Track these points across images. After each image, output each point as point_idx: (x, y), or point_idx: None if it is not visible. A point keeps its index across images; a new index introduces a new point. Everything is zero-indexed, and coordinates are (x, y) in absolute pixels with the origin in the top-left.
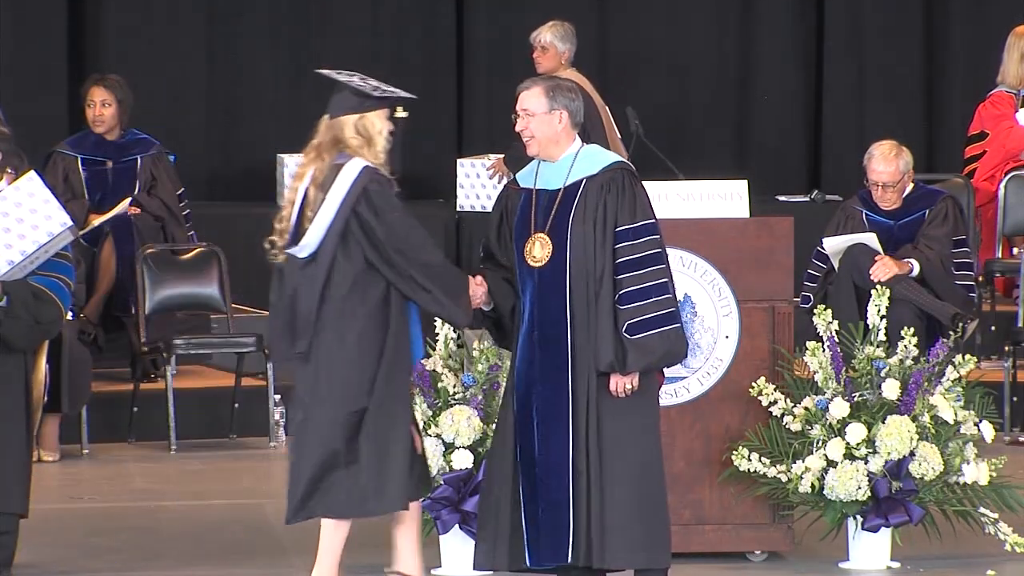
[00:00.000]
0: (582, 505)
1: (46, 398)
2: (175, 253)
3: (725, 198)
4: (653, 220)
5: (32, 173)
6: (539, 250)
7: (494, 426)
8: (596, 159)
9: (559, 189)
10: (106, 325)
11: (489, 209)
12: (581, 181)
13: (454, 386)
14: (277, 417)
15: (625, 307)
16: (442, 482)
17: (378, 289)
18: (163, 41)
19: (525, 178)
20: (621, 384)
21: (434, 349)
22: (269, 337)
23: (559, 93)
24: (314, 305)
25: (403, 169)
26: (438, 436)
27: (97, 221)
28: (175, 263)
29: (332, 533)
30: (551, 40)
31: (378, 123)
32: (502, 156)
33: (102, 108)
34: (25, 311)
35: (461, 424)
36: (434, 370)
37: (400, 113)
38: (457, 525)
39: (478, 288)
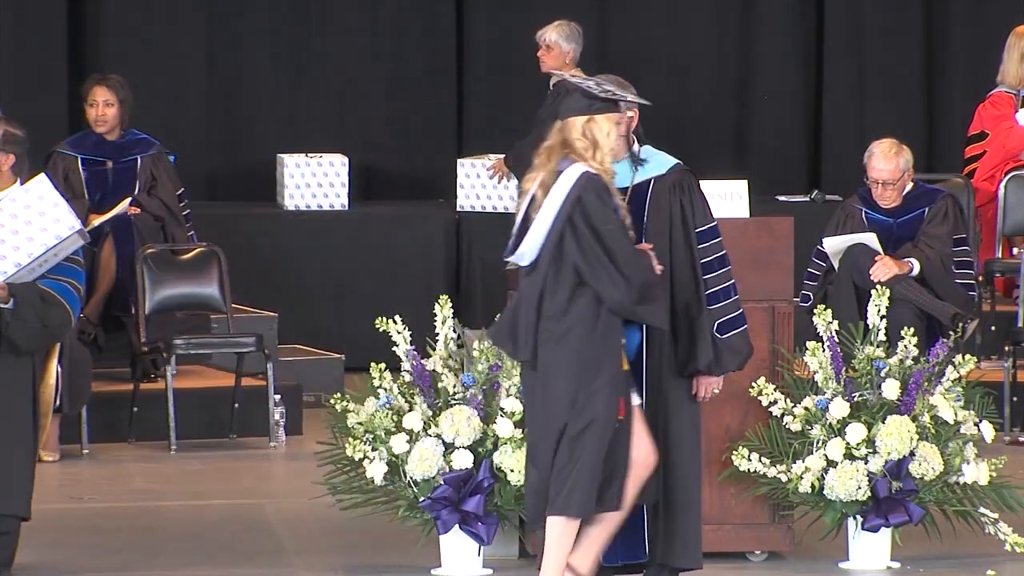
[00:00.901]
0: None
1: (57, 402)
2: (175, 253)
3: (725, 198)
4: (715, 222)
5: (42, 176)
6: None
7: (494, 426)
8: (660, 159)
9: (626, 188)
10: (106, 325)
11: (490, 209)
12: (649, 181)
13: (454, 386)
14: (277, 417)
15: (713, 307)
16: (442, 482)
17: (590, 301)
18: (163, 41)
19: None
20: (710, 387)
21: (434, 349)
22: (495, 338)
23: (629, 93)
24: (532, 316)
25: (405, 169)
26: (438, 436)
27: (97, 221)
28: (175, 263)
29: (555, 533)
30: (556, 39)
31: (605, 126)
32: (502, 157)
33: (105, 108)
34: (32, 313)
35: (461, 424)
36: (434, 370)
37: (618, 117)
38: (457, 525)
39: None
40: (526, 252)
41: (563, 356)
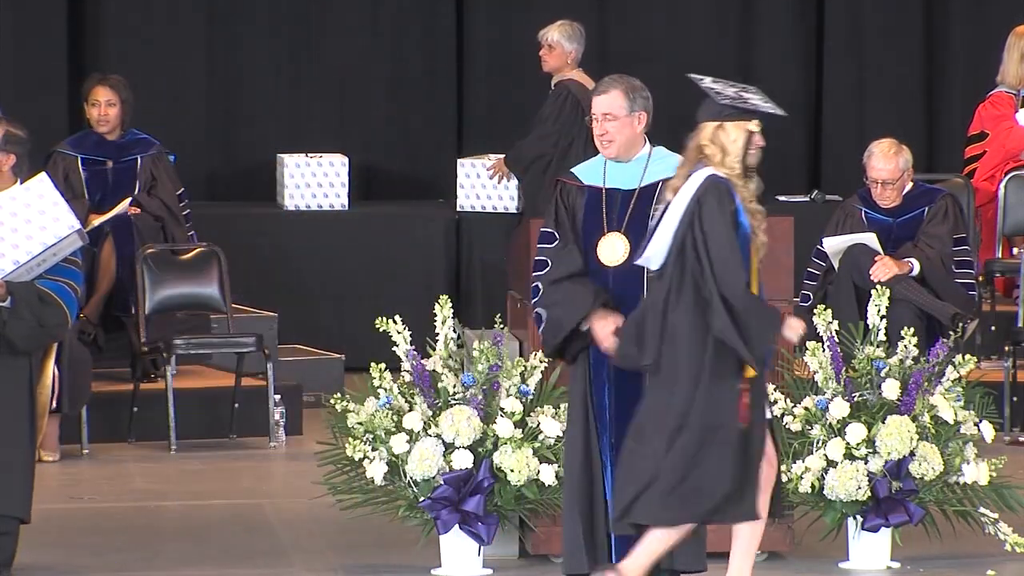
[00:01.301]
0: None
1: (55, 404)
2: (175, 253)
3: None
4: None
5: (43, 175)
6: (613, 249)
7: (494, 426)
8: (670, 161)
9: (634, 189)
10: (106, 325)
11: (490, 209)
12: (658, 183)
13: (454, 386)
14: (277, 417)
15: None
16: (442, 482)
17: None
18: (163, 41)
19: (588, 175)
20: None
21: (434, 349)
22: (620, 342)
23: (637, 94)
24: (658, 320)
25: (405, 169)
26: (438, 436)
27: (97, 221)
28: (175, 263)
29: (652, 539)
30: (558, 39)
31: (733, 133)
32: (502, 157)
33: (107, 108)
34: (29, 313)
35: (461, 424)
36: (434, 370)
37: (752, 126)
38: (457, 525)
39: (799, 326)
40: (653, 256)
41: (684, 363)
